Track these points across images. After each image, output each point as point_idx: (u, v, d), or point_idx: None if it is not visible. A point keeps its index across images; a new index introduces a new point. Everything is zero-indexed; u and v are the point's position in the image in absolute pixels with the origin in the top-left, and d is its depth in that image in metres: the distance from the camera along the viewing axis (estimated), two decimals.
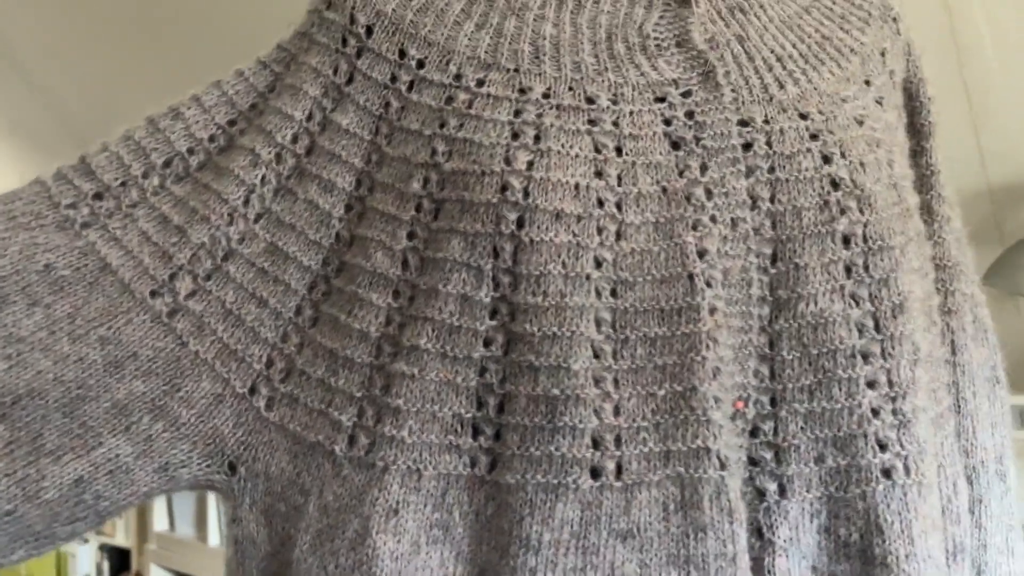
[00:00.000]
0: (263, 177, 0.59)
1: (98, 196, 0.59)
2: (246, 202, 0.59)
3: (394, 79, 0.59)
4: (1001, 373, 0.72)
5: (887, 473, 0.56)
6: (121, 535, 2.76)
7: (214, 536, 2.48)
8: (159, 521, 2.64)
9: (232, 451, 0.57)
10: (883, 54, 0.67)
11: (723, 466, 0.54)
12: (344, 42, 0.61)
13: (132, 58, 2.11)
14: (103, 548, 2.86)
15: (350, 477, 0.55)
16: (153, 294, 0.58)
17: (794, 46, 0.63)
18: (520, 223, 0.53)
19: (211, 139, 0.61)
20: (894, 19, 0.69)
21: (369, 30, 0.60)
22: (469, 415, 0.55)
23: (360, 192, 0.59)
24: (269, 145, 0.60)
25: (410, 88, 0.59)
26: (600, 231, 0.54)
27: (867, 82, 0.64)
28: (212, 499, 2.46)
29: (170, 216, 0.59)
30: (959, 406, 0.68)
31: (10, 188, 0.60)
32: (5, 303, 0.55)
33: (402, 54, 0.59)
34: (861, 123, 0.60)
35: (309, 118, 0.60)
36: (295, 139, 0.60)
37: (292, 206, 0.59)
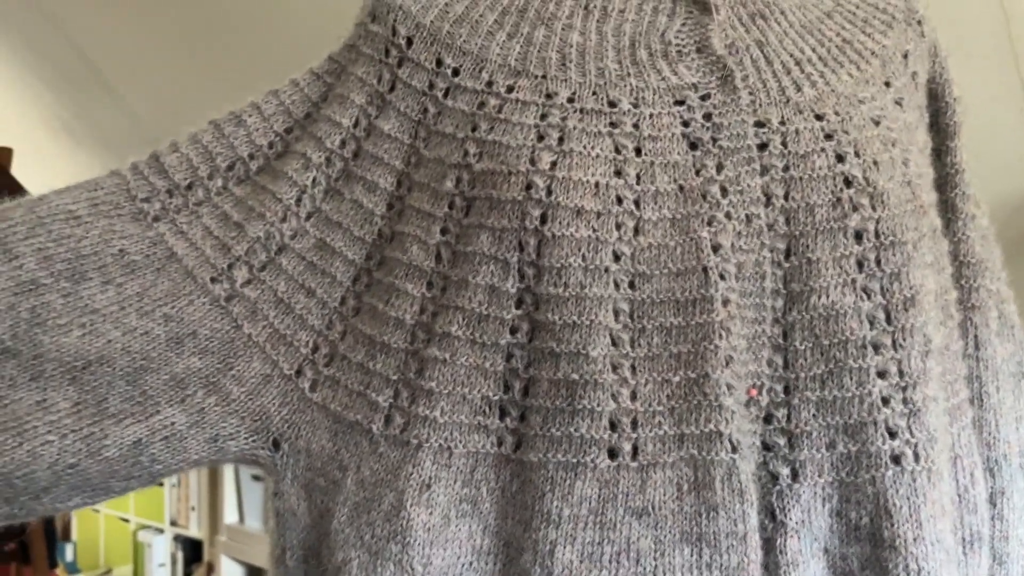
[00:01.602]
0: (314, 179, 0.64)
1: (169, 193, 0.65)
2: (298, 202, 0.64)
3: (431, 86, 0.64)
4: None
5: (896, 459, 0.58)
6: (194, 527, 2.87)
7: None
8: (229, 514, 2.74)
9: (277, 428, 0.62)
10: (905, 56, 0.69)
11: (734, 449, 0.57)
12: (387, 53, 0.65)
13: (204, 68, 2.21)
14: (177, 539, 2.97)
15: (386, 454, 0.59)
16: (213, 280, 0.63)
17: (813, 50, 0.66)
18: (543, 219, 0.57)
19: (270, 145, 0.67)
20: (919, 21, 0.71)
21: (409, 41, 0.65)
22: (496, 397, 0.59)
23: (400, 192, 0.63)
24: (320, 150, 0.65)
25: (446, 95, 0.63)
26: (619, 227, 0.57)
27: (887, 83, 0.66)
28: None
29: (230, 214, 0.65)
30: (982, 400, 0.70)
31: None
32: (83, 279, 0.61)
33: (439, 63, 0.64)
34: (877, 123, 0.62)
35: (356, 124, 0.65)
36: (343, 144, 0.65)
37: (340, 205, 0.64)
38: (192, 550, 2.95)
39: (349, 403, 0.61)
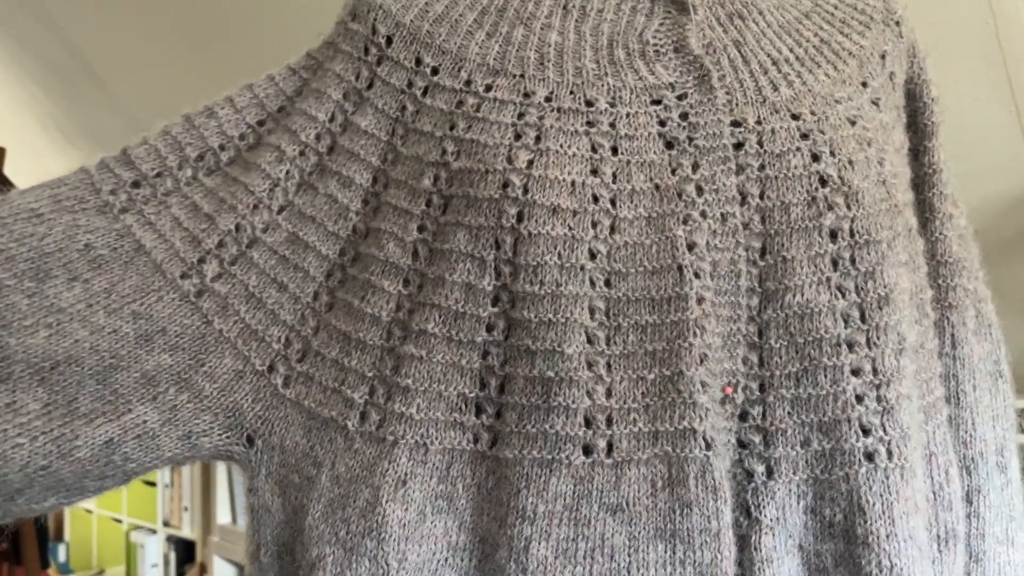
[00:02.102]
0: (287, 172, 0.64)
1: (136, 184, 0.65)
2: (271, 194, 0.64)
3: (410, 84, 0.64)
4: (1005, 368, 0.73)
5: (870, 456, 0.58)
6: (187, 527, 2.87)
7: None
8: (222, 515, 2.74)
9: (250, 424, 0.62)
10: (883, 56, 0.69)
11: (708, 446, 0.57)
12: (366, 51, 0.66)
13: (200, 67, 2.21)
14: (170, 539, 2.97)
15: (361, 450, 0.60)
16: (183, 275, 0.63)
17: (791, 50, 0.66)
18: (520, 217, 0.58)
19: (241, 137, 0.67)
20: (897, 22, 0.72)
21: (389, 40, 0.65)
22: (472, 394, 0.59)
23: (376, 188, 0.64)
24: (294, 143, 0.65)
25: (424, 93, 0.64)
26: (595, 225, 0.58)
27: (864, 84, 0.67)
28: None
29: (200, 205, 0.65)
30: (958, 398, 0.70)
31: None
32: (48, 277, 0.61)
33: (418, 62, 0.64)
34: (853, 123, 0.63)
35: (332, 119, 0.65)
36: (318, 138, 0.65)
37: (313, 200, 0.64)
38: (185, 551, 2.95)
39: (323, 399, 0.61)
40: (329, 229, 0.63)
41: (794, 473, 0.59)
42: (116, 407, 0.61)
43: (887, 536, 0.58)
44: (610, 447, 0.57)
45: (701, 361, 0.57)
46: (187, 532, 2.88)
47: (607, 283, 0.58)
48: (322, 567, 0.58)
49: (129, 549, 3.05)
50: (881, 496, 0.58)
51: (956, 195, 0.74)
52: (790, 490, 0.59)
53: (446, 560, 0.58)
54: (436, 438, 0.59)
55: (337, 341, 0.62)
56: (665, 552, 0.56)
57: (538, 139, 0.59)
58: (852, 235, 0.60)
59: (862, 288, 0.60)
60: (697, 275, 0.58)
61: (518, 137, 0.60)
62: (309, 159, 0.65)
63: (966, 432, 0.70)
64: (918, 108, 0.73)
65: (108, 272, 0.62)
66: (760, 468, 0.59)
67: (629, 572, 0.56)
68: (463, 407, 0.59)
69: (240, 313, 0.63)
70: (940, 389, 0.66)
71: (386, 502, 0.58)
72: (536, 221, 0.57)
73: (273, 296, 0.63)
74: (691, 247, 0.58)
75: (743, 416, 0.60)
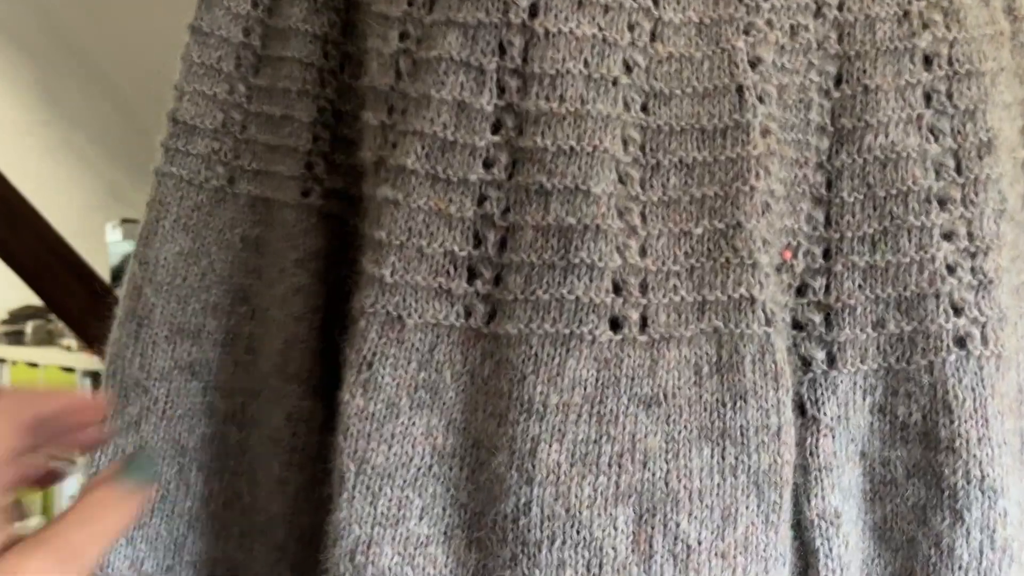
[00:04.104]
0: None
1: (216, 144, 0.53)
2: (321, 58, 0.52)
3: None
4: None
5: (961, 342, 0.46)
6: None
7: None
8: None
9: None
10: None
11: (769, 322, 0.44)
12: None
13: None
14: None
15: None
16: (304, 193, 0.52)
17: None
18: (533, 10, 0.43)
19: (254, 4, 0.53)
20: None
21: None
22: (464, 253, 0.45)
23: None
24: None
25: None
26: (632, 27, 0.44)
27: None
28: None
29: (273, 112, 0.53)
30: None
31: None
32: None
33: None
34: None
35: None
36: None
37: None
38: None
39: None
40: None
41: (862, 362, 0.47)
42: None
43: (978, 440, 0.46)
44: (644, 321, 0.44)
45: (763, 211, 0.44)
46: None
47: (644, 107, 0.44)
48: None
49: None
50: (973, 391, 0.46)
51: None
52: (855, 383, 0.47)
53: (429, 468, 0.44)
54: (415, 309, 0.45)
55: None
56: (712, 457, 0.43)
57: None
58: (951, 63, 0.47)
59: (959, 131, 0.47)
60: (761, 99, 0.44)
61: None
62: None
63: None
64: None
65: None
66: (820, 355, 0.47)
67: (667, 483, 0.43)
68: (451, 270, 0.45)
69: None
70: (1022, 273, 0.55)
71: (344, 387, 0.45)
72: (556, 15, 0.43)
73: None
74: (754, 64, 0.45)
75: (801, 290, 0.47)
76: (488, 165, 0.44)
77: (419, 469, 0.44)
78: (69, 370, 2.63)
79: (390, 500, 0.44)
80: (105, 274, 2.20)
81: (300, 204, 0.52)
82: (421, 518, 0.44)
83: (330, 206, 0.52)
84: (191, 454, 0.52)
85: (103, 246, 2.56)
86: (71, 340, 2.60)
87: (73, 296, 1.35)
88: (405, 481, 0.44)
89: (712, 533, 0.43)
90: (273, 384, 0.52)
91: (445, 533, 0.44)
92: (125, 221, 2.55)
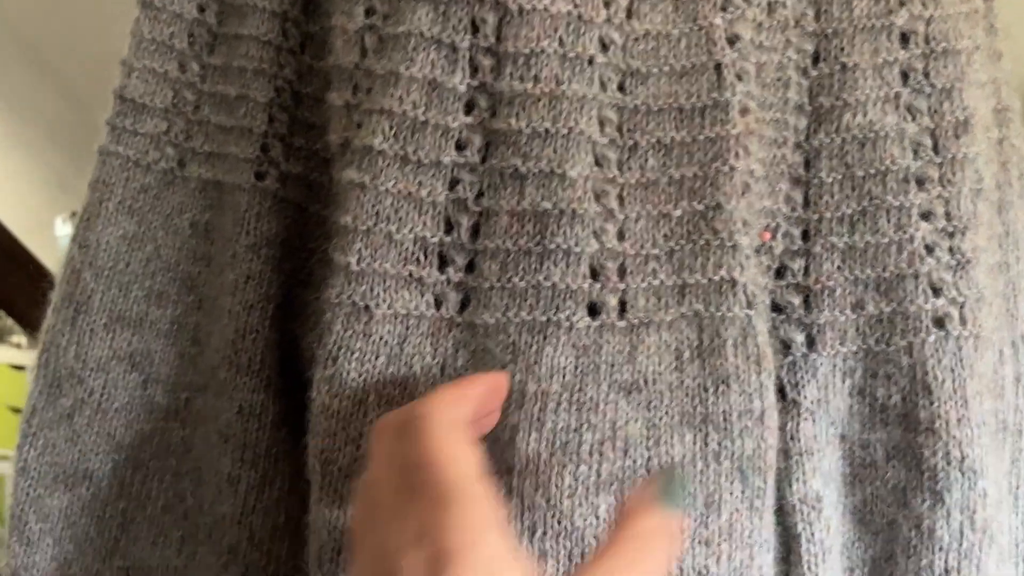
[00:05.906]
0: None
1: (167, 123, 0.51)
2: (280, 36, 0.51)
3: None
4: None
5: (939, 322, 0.46)
6: None
7: None
8: None
9: None
10: None
11: (750, 304, 0.43)
12: None
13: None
14: None
15: None
16: (259, 176, 0.50)
17: None
18: None
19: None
20: None
21: None
22: (435, 239, 0.43)
23: None
24: None
25: None
26: (607, 4, 0.43)
27: None
28: None
29: (228, 92, 0.51)
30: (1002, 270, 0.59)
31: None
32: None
33: None
34: None
35: None
36: None
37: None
38: None
39: None
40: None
41: (841, 344, 0.46)
42: None
43: (958, 421, 0.46)
44: (623, 306, 0.43)
45: (743, 192, 0.43)
46: None
47: (620, 87, 0.43)
48: None
49: None
50: (952, 371, 0.46)
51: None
52: (835, 365, 0.46)
53: None
54: (383, 299, 0.43)
55: None
56: (695, 443, 0.42)
57: None
58: (928, 41, 0.46)
59: (936, 110, 0.47)
60: (740, 77, 0.43)
61: None
62: None
63: (1008, 310, 0.59)
64: None
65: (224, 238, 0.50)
66: (799, 338, 0.46)
67: (649, 471, 0.42)
68: (421, 257, 0.43)
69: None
70: (999, 253, 0.55)
71: (311, 384, 0.43)
72: None
73: None
74: (732, 41, 0.44)
75: (780, 272, 0.47)
76: (461, 147, 0.43)
77: None
78: (19, 368, 2.56)
79: None
80: (55, 269, 2.14)
81: (254, 187, 0.49)
82: None
83: (287, 191, 0.50)
84: (127, 451, 0.49)
85: (53, 240, 2.50)
86: (21, 337, 2.54)
87: (23, 292, 1.31)
88: None
89: (695, 520, 0.42)
90: (222, 377, 0.49)
91: None
92: (76, 215, 2.50)
